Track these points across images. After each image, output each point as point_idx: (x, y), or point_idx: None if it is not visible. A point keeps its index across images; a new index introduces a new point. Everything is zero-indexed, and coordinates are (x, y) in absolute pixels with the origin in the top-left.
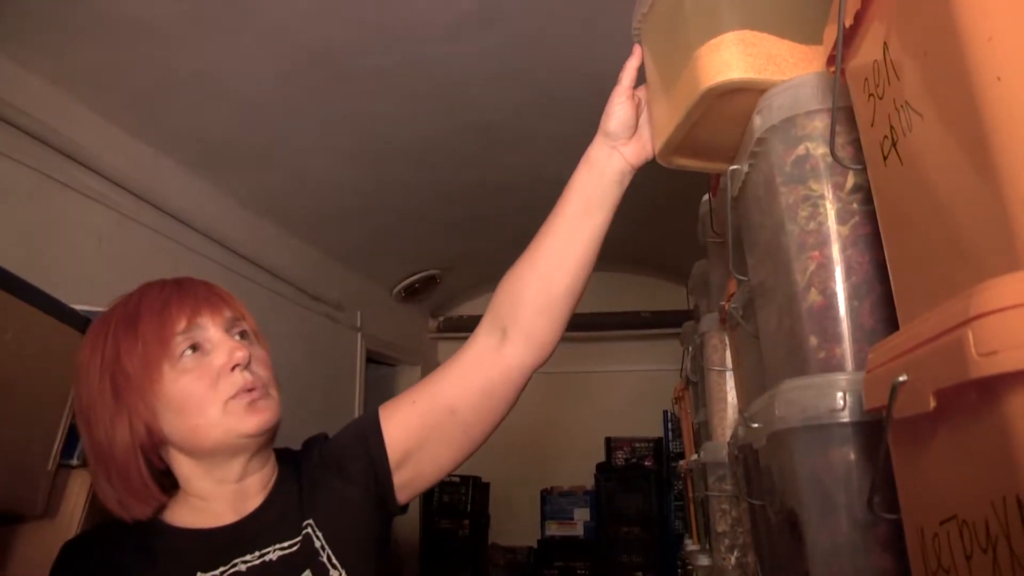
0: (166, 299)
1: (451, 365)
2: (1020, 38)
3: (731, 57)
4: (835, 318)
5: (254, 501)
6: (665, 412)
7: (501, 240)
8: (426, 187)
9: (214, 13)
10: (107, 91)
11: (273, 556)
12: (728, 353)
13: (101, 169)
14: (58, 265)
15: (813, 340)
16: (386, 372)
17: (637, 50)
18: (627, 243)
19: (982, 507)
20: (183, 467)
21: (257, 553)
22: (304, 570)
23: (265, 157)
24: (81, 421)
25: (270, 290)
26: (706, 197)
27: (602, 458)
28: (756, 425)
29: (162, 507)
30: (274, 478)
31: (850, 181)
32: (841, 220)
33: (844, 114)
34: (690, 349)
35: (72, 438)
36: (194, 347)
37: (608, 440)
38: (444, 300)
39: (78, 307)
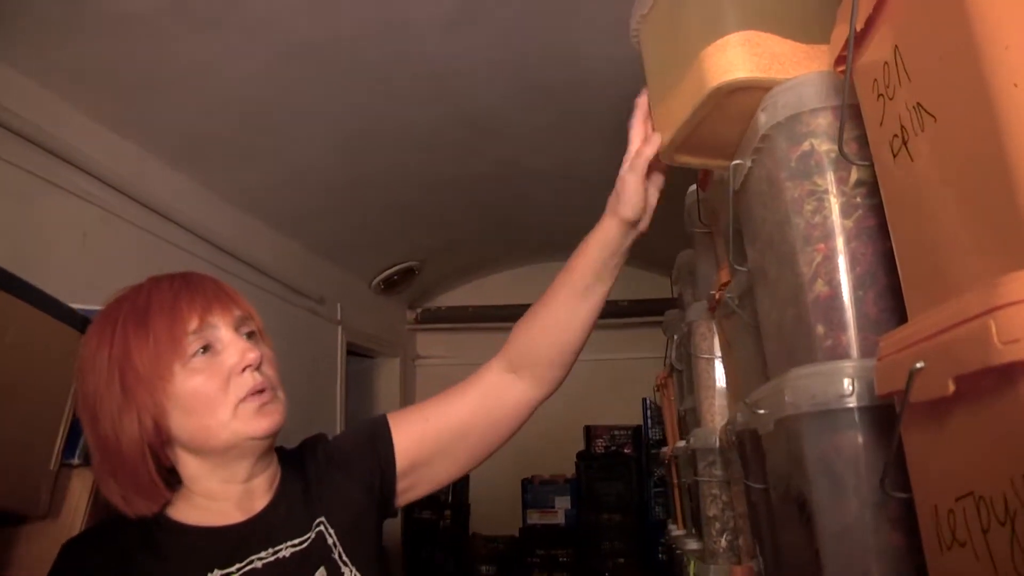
0: (176, 296)
1: (466, 391)
2: None
3: (737, 57)
4: (841, 308)
5: (261, 501)
6: (644, 400)
7: (480, 231)
8: (409, 179)
9: (199, 6)
10: (91, 87)
11: (286, 553)
12: (716, 341)
13: (85, 166)
14: (42, 262)
15: (820, 329)
16: (366, 365)
17: (655, 138)
18: None
19: (1000, 483)
20: (189, 466)
21: (271, 550)
22: (318, 567)
23: (249, 152)
24: (85, 415)
25: (254, 285)
26: (692, 188)
27: (581, 446)
28: (762, 411)
29: (165, 504)
30: (278, 477)
31: (854, 176)
32: (845, 214)
33: (849, 111)
34: (675, 337)
35: (73, 438)
36: (205, 347)
37: (587, 428)
38: (422, 292)
39: (75, 306)
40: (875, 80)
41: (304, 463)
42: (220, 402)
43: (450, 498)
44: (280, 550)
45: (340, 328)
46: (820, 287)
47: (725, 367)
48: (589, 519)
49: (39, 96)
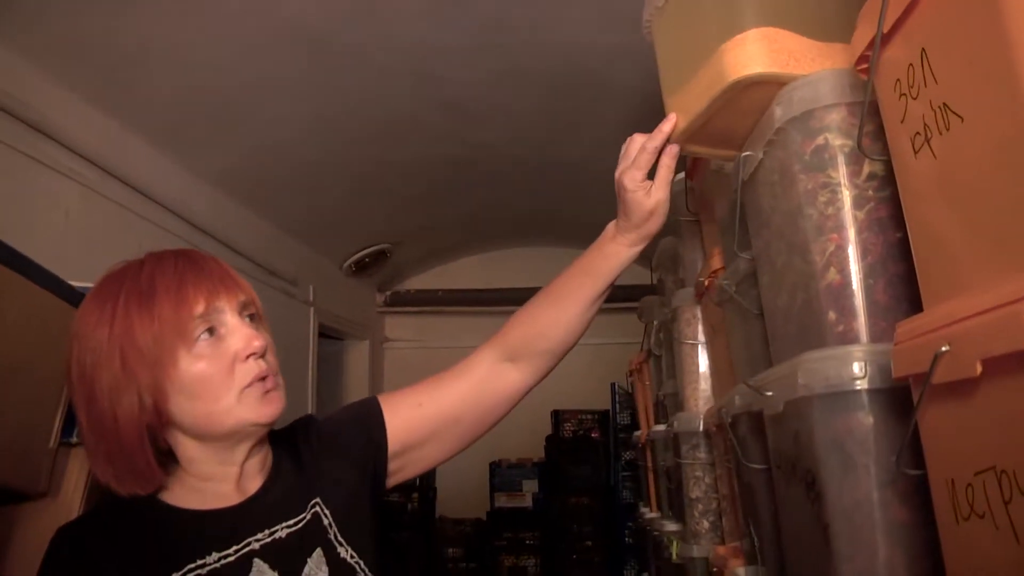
0: (182, 277)
1: (460, 378)
2: None
3: (756, 52)
4: (852, 295)
5: (255, 482)
6: (613, 384)
7: (454, 215)
8: (388, 162)
9: None
10: (75, 64)
11: (283, 534)
12: (701, 327)
13: (68, 142)
14: (25, 239)
15: (832, 315)
16: (336, 347)
17: (672, 149)
18: (580, 218)
19: (1022, 457)
20: (188, 449)
21: (267, 531)
22: (315, 548)
23: (230, 131)
24: (80, 392)
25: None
26: (680, 176)
27: (549, 430)
28: (770, 393)
29: (159, 487)
30: (270, 459)
31: (866, 169)
32: (858, 205)
33: (863, 108)
34: (655, 323)
35: (72, 416)
36: (210, 330)
37: (555, 413)
38: (391, 275)
39: (75, 283)
40: (898, 80)
41: (296, 444)
42: (225, 388)
43: (417, 481)
44: (276, 531)
45: (312, 310)
46: (832, 275)
47: (710, 353)
48: (557, 502)
49: (23, 72)
